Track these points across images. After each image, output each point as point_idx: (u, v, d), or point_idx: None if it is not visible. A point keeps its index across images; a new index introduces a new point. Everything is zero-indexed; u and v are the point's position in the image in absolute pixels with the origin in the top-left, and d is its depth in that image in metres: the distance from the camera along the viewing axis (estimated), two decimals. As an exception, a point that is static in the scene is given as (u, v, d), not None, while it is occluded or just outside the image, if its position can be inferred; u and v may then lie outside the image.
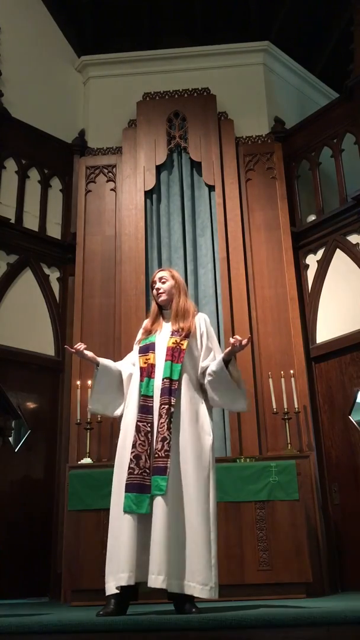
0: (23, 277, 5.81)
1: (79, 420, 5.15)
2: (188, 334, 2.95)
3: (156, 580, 2.53)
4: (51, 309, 5.90)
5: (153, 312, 3.13)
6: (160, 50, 6.89)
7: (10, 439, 5.07)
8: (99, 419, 5.11)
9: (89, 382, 5.20)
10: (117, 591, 2.64)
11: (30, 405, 5.57)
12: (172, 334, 2.96)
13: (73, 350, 3.06)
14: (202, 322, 3.06)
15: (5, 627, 2.07)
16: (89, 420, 5.13)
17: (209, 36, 6.97)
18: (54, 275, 6.05)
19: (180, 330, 2.96)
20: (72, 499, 4.42)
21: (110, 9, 6.99)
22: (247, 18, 6.94)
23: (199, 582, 2.61)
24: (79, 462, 5.00)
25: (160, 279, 3.11)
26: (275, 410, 5.17)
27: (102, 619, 2.29)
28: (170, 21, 7.07)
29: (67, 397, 5.59)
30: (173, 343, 2.92)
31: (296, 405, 5.18)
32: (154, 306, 3.15)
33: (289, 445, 5.08)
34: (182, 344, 2.91)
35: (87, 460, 4.99)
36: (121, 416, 3.01)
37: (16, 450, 5.32)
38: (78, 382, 5.30)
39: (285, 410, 5.14)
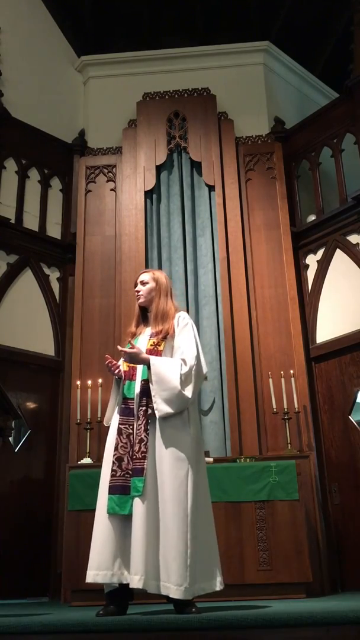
0: (23, 277, 5.81)
1: (79, 420, 5.16)
2: (166, 336, 2.92)
3: (132, 580, 2.57)
4: (51, 309, 5.90)
5: (136, 314, 3.14)
6: (160, 50, 6.89)
7: (10, 439, 5.07)
8: (99, 419, 5.11)
9: (89, 382, 5.26)
10: (100, 581, 2.67)
11: (30, 405, 5.57)
12: (150, 336, 2.97)
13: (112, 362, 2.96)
14: (178, 320, 2.99)
15: (5, 627, 2.07)
16: (88, 420, 5.14)
17: (209, 36, 6.96)
18: (54, 275, 6.05)
19: (159, 332, 2.94)
20: (72, 499, 4.42)
21: (110, 9, 6.99)
22: (247, 18, 6.94)
23: (174, 583, 2.57)
24: (79, 462, 5.00)
25: (142, 281, 3.10)
26: (275, 410, 5.17)
27: (102, 619, 2.30)
28: (170, 21, 7.07)
29: (67, 397, 5.59)
30: (151, 345, 2.91)
31: (296, 405, 5.18)
32: (136, 308, 3.15)
33: (289, 445, 5.08)
34: (159, 346, 2.90)
35: (87, 460, 4.99)
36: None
37: (16, 450, 5.32)
38: (78, 382, 5.30)
39: (285, 410, 5.15)
